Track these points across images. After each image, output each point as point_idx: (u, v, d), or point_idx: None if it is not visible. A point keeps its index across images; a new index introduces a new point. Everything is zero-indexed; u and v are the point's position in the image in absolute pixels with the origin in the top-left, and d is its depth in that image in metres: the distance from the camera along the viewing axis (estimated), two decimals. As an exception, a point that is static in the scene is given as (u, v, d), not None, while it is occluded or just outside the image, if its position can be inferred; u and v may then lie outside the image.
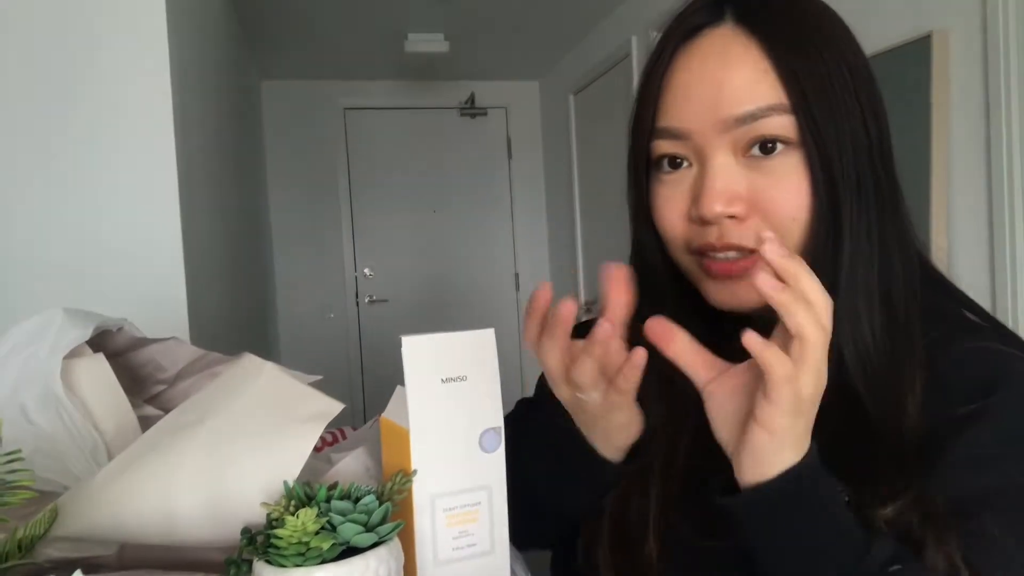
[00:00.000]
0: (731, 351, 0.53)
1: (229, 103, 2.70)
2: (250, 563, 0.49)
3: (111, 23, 1.58)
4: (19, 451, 0.48)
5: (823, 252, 0.50)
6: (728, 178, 0.51)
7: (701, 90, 0.51)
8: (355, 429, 1.02)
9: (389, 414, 0.55)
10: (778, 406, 0.41)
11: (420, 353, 0.50)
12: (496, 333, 0.53)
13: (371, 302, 4.30)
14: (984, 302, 1.43)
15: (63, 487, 0.61)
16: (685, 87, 0.52)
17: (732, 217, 0.51)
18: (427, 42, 3.46)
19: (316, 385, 0.62)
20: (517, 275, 4.50)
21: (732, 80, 0.50)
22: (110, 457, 0.65)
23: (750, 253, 0.51)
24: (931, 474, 0.45)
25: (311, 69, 3.99)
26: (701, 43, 0.52)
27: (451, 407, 0.51)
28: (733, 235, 0.51)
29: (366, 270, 4.31)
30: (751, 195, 0.51)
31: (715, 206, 0.50)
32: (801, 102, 0.49)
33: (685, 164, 0.54)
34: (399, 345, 0.50)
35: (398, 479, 0.53)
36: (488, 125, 4.46)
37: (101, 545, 0.53)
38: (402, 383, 0.52)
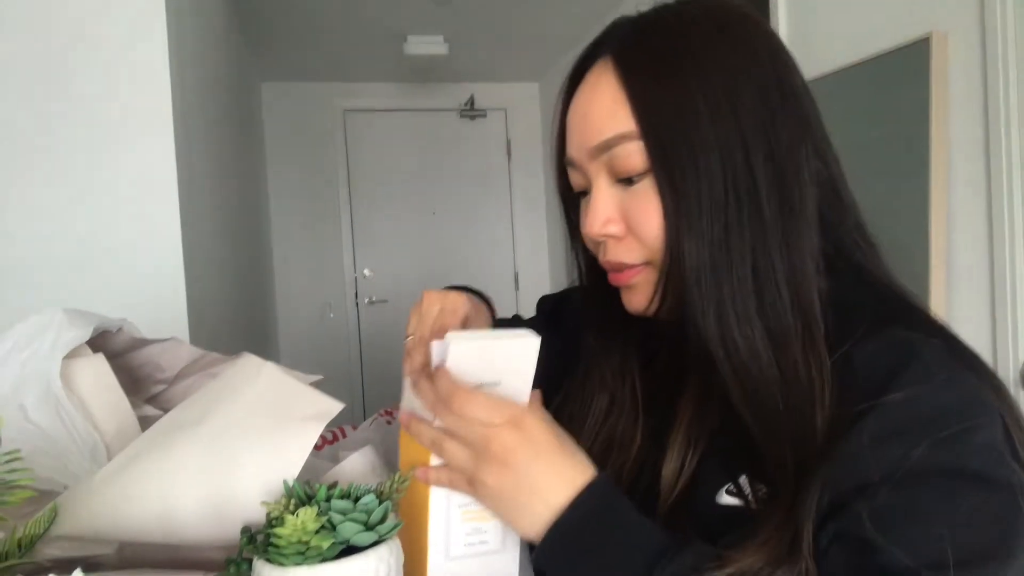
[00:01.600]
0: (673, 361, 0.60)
1: (229, 104, 2.70)
2: (250, 562, 0.49)
3: (111, 23, 1.59)
4: (19, 451, 0.48)
5: (687, 272, 0.51)
6: (603, 202, 0.55)
7: (575, 122, 0.56)
8: (355, 428, 1.02)
9: (406, 408, 0.55)
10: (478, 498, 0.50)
11: (465, 358, 0.50)
12: None
13: (371, 303, 4.30)
14: (983, 301, 1.43)
15: (63, 486, 0.61)
16: (571, 119, 0.57)
17: (612, 236, 0.55)
18: (427, 44, 3.46)
19: (316, 385, 0.62)
20: (517, 275, 4.50)
21: (593, 111, 0.54)
22: (109, 457, 0.65)
23: (632, 266, 0.55)
24: (833, 459, 0.46)
25: (311, 70, 3.99)
26: (586, 78, 0.56)
27: None
28: (614, 252, 0.56)
29: (366, 271, 4.31)
30: (624, 216, 0.54)
31: (592, 228, 0.55)
32: (650, 129, 0.51)
33: (587, 190, 0.58)
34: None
35: (396, 479, 0.54)
36: (488, 126, 4.46)
37: (101, 544, 0.53)
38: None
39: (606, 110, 0.53)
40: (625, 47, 0.54)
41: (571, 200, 0.62)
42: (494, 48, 3.69)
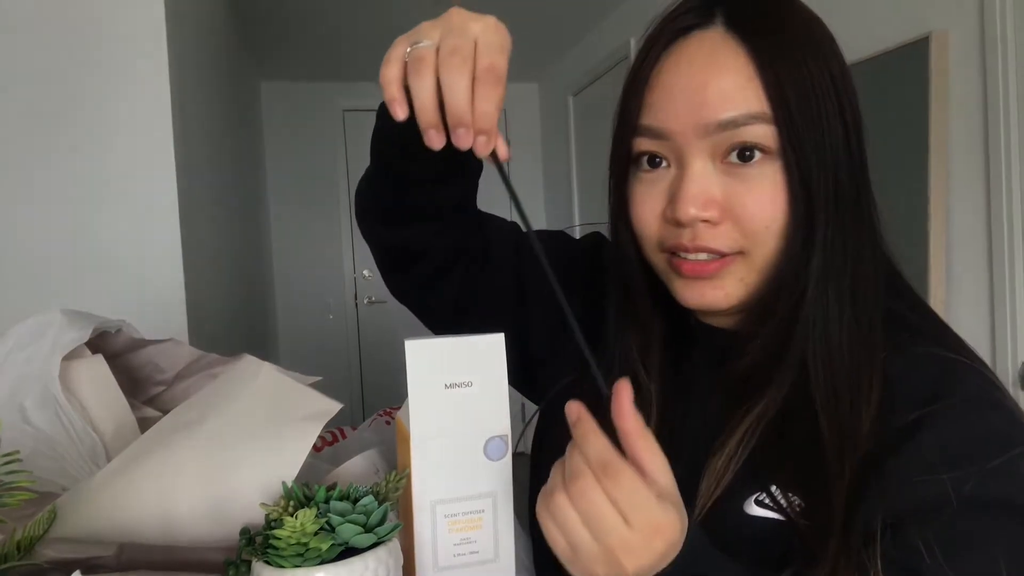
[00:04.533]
0: (691, 352, 0.58)
1: (229, 103, 2.70)
2: (249, 564, 0.49)
3: (111, 23, 1.58)
4: (18, 452, 0.48)
5: (795, 261, 0.50)
6: (704, 182, 0.51)
7: (686, 92, 0.51)
8: (354, 429, 1.02)
9: (402, 415, 0.54)
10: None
11: (424, 357, 0.49)
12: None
13: (370, 303, 4.30)
14: (982, 301, 1.43)
15: (62, 488, 0.61)
16: (670, 87, 0.52)
17: (706, 221, 0.51)
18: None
19: (315, 386, 0.62)
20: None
21: (717, 84, 0.50)
22: (109, 458, 0.65)
23: (721, 256, 0.52)
24: (876, 491, 0.45)
25: (311, 70, 3.99)
26: (689, 44, 0.52)
27: (455, 413, 0.50)
28: (705, 238, 0.51)
29: (365, 271, 4.31)
30: (726, 201, 0.51)
31: (690, 209, 0.51)
32: (783, 112, 0.49)
33: (664, 164, 0.53)
34: (398, 345, 0.50)
35: (393, 478, 0.54)
36: (487, 126, 4.45)
37: (100, 546, 0.53)
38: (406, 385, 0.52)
39: (733, 85, 0.49)
40: (743, 18, 0.51)
41: (625, 178, 0.56)
42: (493, 48, 3.68)
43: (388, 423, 1.02)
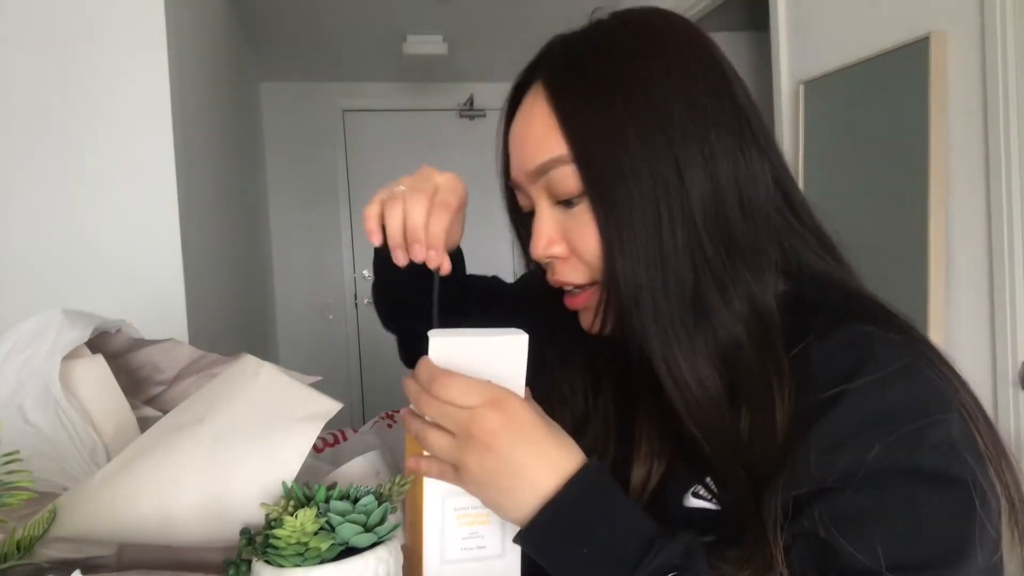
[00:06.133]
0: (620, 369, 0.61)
1: (229, 104, 2.70)
2: (249, 563, 0.49)
3: (111, 23, 1.59)
4: (18, 452, 0.48)
5: (624, 293, 0.51)
6: (545, 224, 0.56)
7: (514, 145, 0.57)
8: (355, 431, 1.02)
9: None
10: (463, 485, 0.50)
11: (446, 352, 0.49)
12: None
13: (370, 303, 4.29)
14: (982, 301, 1.43)
15: (62, 488, 0.61)
16: (511, 142, 0.58)
17: (556, 257, 0.56)
18: (426, 44, 3.45)
19: (315, 386, 0.62)
20: (516, 275, 4.50)
21: (528, 136, 0.55)
22: (109, 458, 0.65)
23: (581, 288, 0.56)
24: (793, 465, 0.46)
25: (310, 70, 3.99)
26: (523, 102, 0.57)
27: None
28: (560, 273, 0.56)
29: (365, 271, 4.31)
30: (566, 237, 0.55)
31: (535, 250, 0.56)
32: (581, 153, 0.51)
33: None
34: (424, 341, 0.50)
35: (397, 481, 0.54)
36: (487, 126, 4.45)
37: (100, 545, 0.53)
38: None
39: (540, 134, 0.54)
40: (555, 70, 0.55)
41: (521, 220, 0.63)
42: (494, 48, 3.69)
43: (390, 426, 1.02)
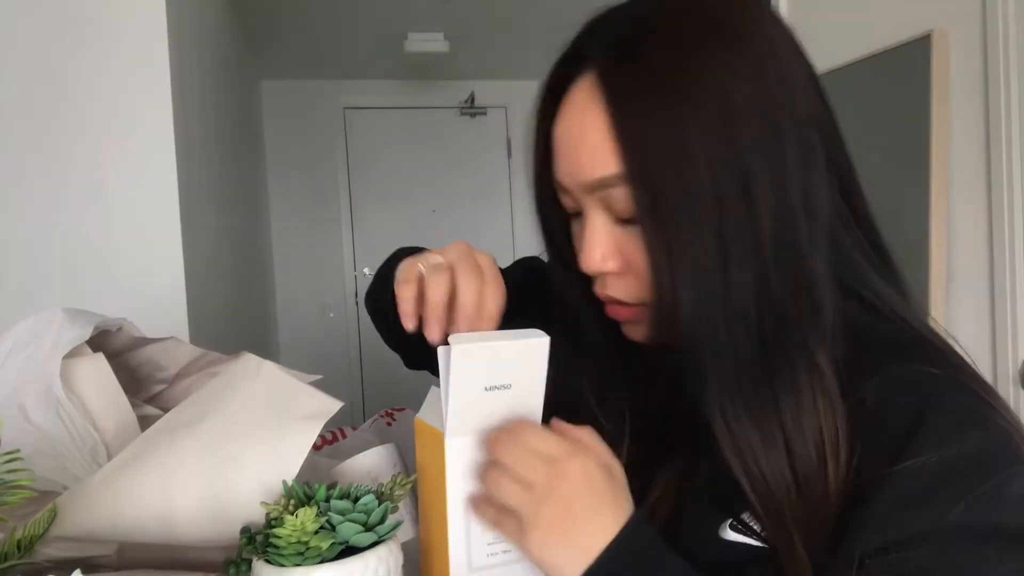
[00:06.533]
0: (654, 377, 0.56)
1: (229, 103, 2.70)
2: (249, 562, 0.49)
3: (111, 23, 1.58)
4: (18, 451, 0.48)
5: (682, 326, 0.47)
6: (600, 237, 0.50)
7: (564, 147, 0.51)
8: (355, 429, 1.02)
9: (424, 416, 0.53)
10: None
11: (470, 362, 0.46)
12: None
13: (371, 302, 4.29)
14: (983, 300, 1.43)
15: (62, 487, 0.61)
16: (558, 145, 0.51)
17: (611, 272, 0.51)
18: (427, 41, 3.45)
19: (315, 384, 0.62)
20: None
21: (583, 143, 0.48)
22: (109, 457, 0.65)
23: (638, 305, 0.51)
24: (858, 526, 0.44)
25: (311, 69, 3.99)
26: (572, 94, 0.50)
27: (491, 414, 0.49)
28: (612, 288, 0.52)
29: (366, 269, 4.31)
30: (624, 254, 0.50)
31: (589, 265, 0.51)
32: (640, 175, 0.46)
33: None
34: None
35: (399, 480, 0.54)
36: (488, 124, 4.45)
37: (100, 545, 0.53)
38: (436, 385, 0.50)
39: (596, 145, 0.47)
40: (611, 63, 0.47)
41: (555, 225, 0.57)
42: (495, 46, 3.68)
43: (389, 424, 1.02)
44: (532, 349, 0.48)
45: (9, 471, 0.47)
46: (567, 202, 0.54)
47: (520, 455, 0.46)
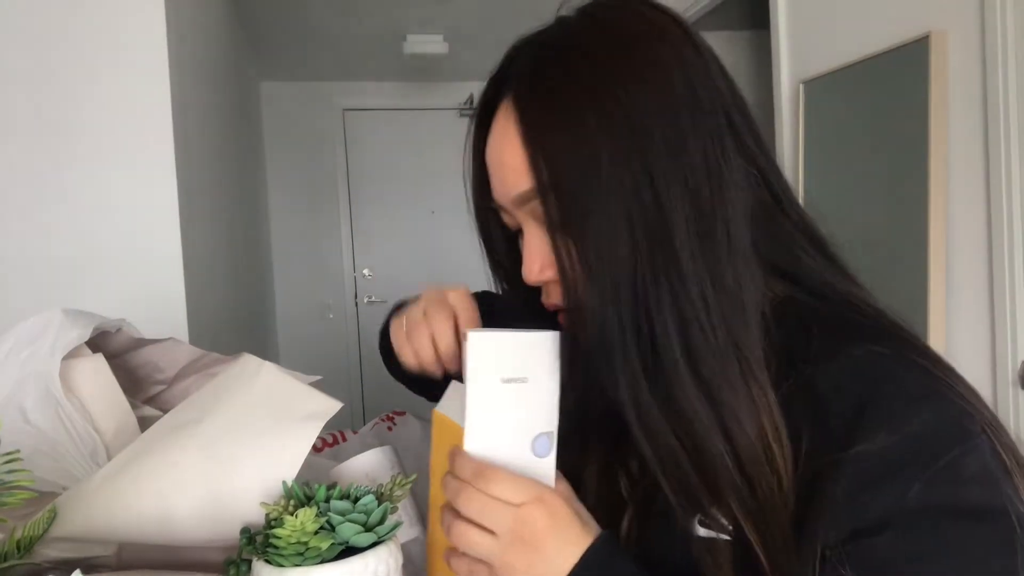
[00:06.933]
0: None
1: (229, 103, 2.70)
2: (249, 563, 0.49)
3: (110, 23, 1.58)
4: (18, 452, 0.48)
5: (590, 335, 0.48)
6: (536, 248, 0.53)
7: (492, 169, 0.54)
8: (355, 432, 1.02)
9: (444, 409, 0.55)
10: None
11: (486, 351, 0.48)
12: None
13: (370, 303, 4.30)
14: (982, 301, 1.43)
15: (62, 487, 0.61)
16: (489, 164, 0.55)
17: (551, 281, 0.53)
18: (426, 43, 3.45)
19: (315, 385, 0.62)
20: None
21: (504, 163, 0.52)
22: (109, 457, 0.65)
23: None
24: (818, 515, 0.44)
25: (310, 70, 3.99)
26: (496, 118, 0.53)
27: (508, 408, 0.49)
28: (553, 296, 0.54)
29: (365, 271, 4.31)
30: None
31: (529, 275, 0.54)
32: (549, 187, 0.48)
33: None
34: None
35: (399, 481, 0.54)
36: (487, 126, 4.46)
37: (100, 545, 0.53)
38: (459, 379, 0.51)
39: (514, 163, 0.50)
40: (522, 87, 0.50)
41: (493, 241, 0.62)
42: (494, 47, 3.66)
43: (390, 428, 1.02)
44: (542, 341, 0.49)
45: (9, 472, 0.47)
46: (508, 220, 0.56)
47: (483, 506, 0.47)
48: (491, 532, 0.47)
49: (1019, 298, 1.37)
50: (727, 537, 0.48)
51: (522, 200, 0.51)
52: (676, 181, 0.46)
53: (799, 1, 1.98)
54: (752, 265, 0.48)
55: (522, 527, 0.46)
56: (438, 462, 0.54)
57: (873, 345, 0.46)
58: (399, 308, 0.72)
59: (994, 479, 0.42)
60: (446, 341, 0.63)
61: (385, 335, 0.78)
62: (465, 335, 0.49)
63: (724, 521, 0.48)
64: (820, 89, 1.85)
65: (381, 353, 0.82)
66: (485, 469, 0.47)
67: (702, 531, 0.49)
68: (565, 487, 0.50)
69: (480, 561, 0.48)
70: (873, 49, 1.66)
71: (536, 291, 0.57)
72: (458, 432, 0.50)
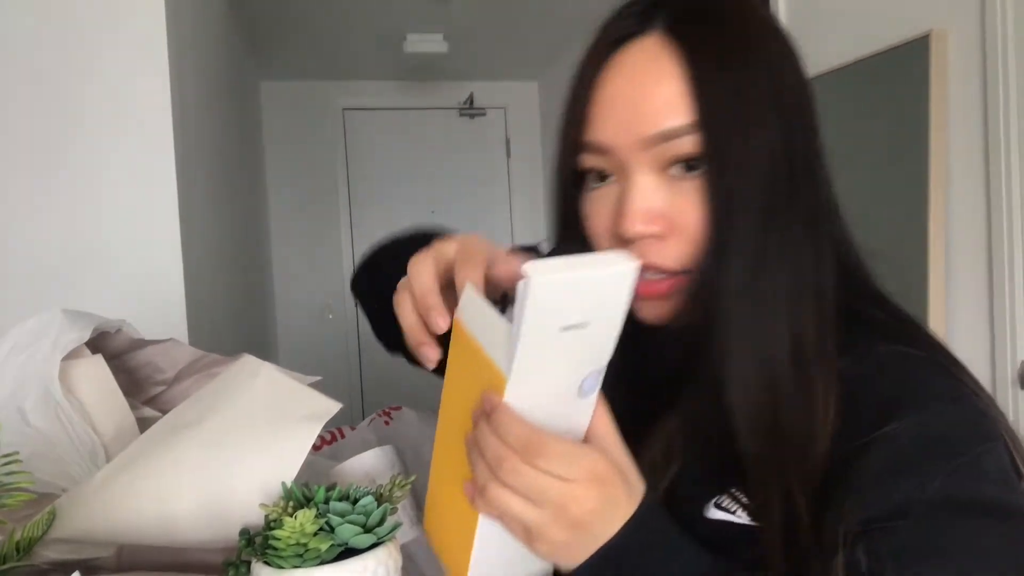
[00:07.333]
0: (657, 368, 0.56)
1: (229, 103, 2.70)
2: (248, 564, 0.49)
3: (111, 23, 1.58)
4: (17, 453, 0.48)
5: (724, 274, 0.48)
6: (648, 197, 0.49)
7: (624, 105, 0.50)
8: (353, 428, 1.03)
9: (470, 326, 0.45)
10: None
11: (549, 296, 0.38)
12: None
13: (370, 304, 4.30)
14: (982, 300, 1.43)
15: (61, 489, 0.61)
16: (611, 100, 0.50)
17: (652, 236, 0.49)
18: (426, 42, 3.45)
19: (315, 386, 0.62)
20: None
21: (654, 96, 0.48)
22: (108, 459, 0.65)
23: (670, 275, 0.50)
24: (840, 500, 0.44)
25: (310, 69, 3.99)
26: (628, 53, 0.50)
27: (561, 355, 0.42)
28: (652, 255, 0.50)
29: (365, 270, 4.31)
30: (670, 214, 0.49)
31: (634, 225, 0.49)
32: (713, 124, 0.47)
33: (612, 178, 0.52)
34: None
35: (397, 481, 0.53)
36: (487, 125, 4.45)
37: (99, 547, 0.53)
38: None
39: (668, 97, 0.48)
40: (683, 23, 0.49)
41: (574, 196, 0.55)
42: (494, 47, 3.69)
43: (387, 423, 1.02)
44: (618, 277, 0.40)
45: (8, 473, 0.47)
46: (599, 164, 0.52)
47: (531, 481, 0.41)
48: (537, 502, 0.42)
49: (1019, 298, 1.37)
50: (739, 521, 0.49)
51: (661, 138, 0.48)
52: (799, 151, 0.49)
53: (799, 1, 1.98)
54: (833, 257, 0.51)
55: (571, 504, 0.42)
56: (457, 384, 0.47)
57: (906, 346, 0.48)
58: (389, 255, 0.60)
59: (1012, 480, 0.43)
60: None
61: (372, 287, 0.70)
62: (521, 272, 0.37)
63: (745, 501, 0.48)
64: (820, 88, 1.84)
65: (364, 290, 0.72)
66: (535, 440, 0.41)
67: (716, 514, 0.50)
68: (610, 433, 0.45)
69: (520, 525, 0.43)
70: (873, 48, 1.65)
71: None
72: (491, 370, 0.42)
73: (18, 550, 0.48)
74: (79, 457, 0.64)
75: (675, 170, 0.49)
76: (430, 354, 0.49)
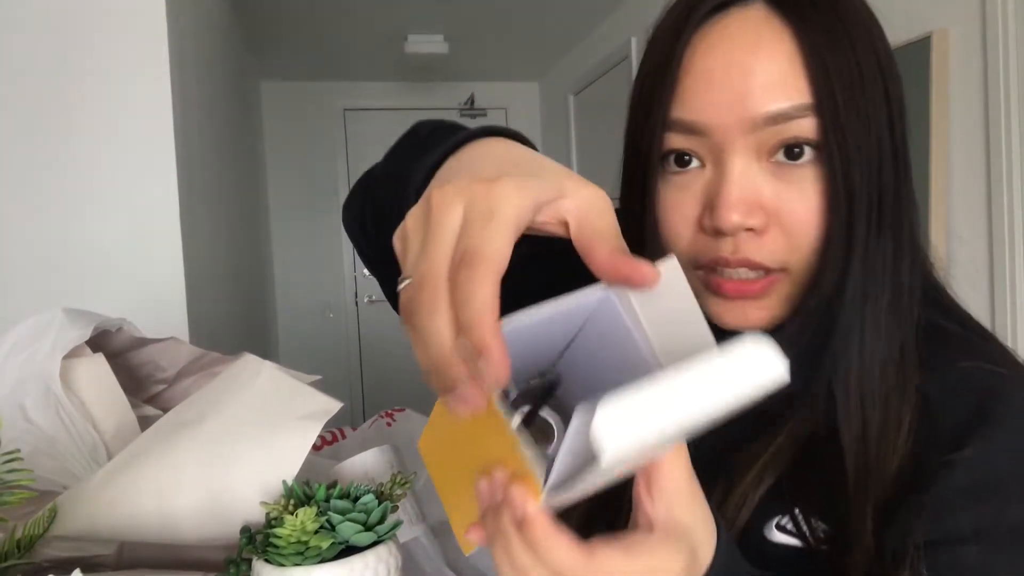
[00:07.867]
0: None
1: (229, 103, 2.70)
2: (249, 562, 0.49)
3: (111, 23, 1.58)
4: (18, 451, 0.48)
5: (835, 274, 0.44)
6: (749, 185, 0.44)
7: (724, 81, 0.43)
8: (354, 429, 1.02)
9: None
10: None
11: (621, 448, 0.25)
12: None
13: (370, 302, 4.30)
14: (983, 302, 1.43)
15: (62, 487, 0.61)
16: (707, 74, 0.44)
17: (750, 229, 0.44)
18: (427, 43, 3.45)
19: (315, 385, 0.62)
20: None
21: (762, 73, 0.43)
22: (109, 457, 0.65)
23: (766, 272, 0.45)
24: (908, 517, 0.42)
25: (311, 70, 3.99)
26: (728, 23, 0.44)
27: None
28: (749, 250, 0.44)
29: (365, 270, 4.31)
30: (773, 205, 0.44)
31: (733, 216, 0.43)
32: (829, 102, 0.42)
33: (696, 163, 0.46)
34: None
35: (397, 479, 0.54)
36: (488, 125, 4.45)
37: (100, 544, 0.53)
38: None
39: (778, 74, 0.42)
40: None
41: (654, 184, 0.48)
42: (494, 47, 3.69)
43: (389, 424, 1.02)
44: (700, 399, 0.27)
45: (9, 471, 0.47)
46: (687, 146, 0.46)
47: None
48: None
49: (1019, 298, 1.37)
50: (800, 544, 0.46)
51: (772, 119, 0.43)
52: (900, 135, 0.45)
53: (800, 1, 1.98)
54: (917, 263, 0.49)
55: None
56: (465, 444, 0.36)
57: (989, 363, 0.45)
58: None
59: None
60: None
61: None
62: (576, 408, 0.27)
63: (805, 528, 0.45)
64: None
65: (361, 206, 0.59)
66: (583, 568, 0.30)
67: (779, 536, 0.46)
68: (679, 492, 0.34)
69: None
70: (874, 49, 1.66)
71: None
72: (517, 460, 0.31)
73: (19, 547, 0.48)
74: (80, 455, 0.64)
75: (779, 156, 0.44)
76: (470, 402, 0.29)
